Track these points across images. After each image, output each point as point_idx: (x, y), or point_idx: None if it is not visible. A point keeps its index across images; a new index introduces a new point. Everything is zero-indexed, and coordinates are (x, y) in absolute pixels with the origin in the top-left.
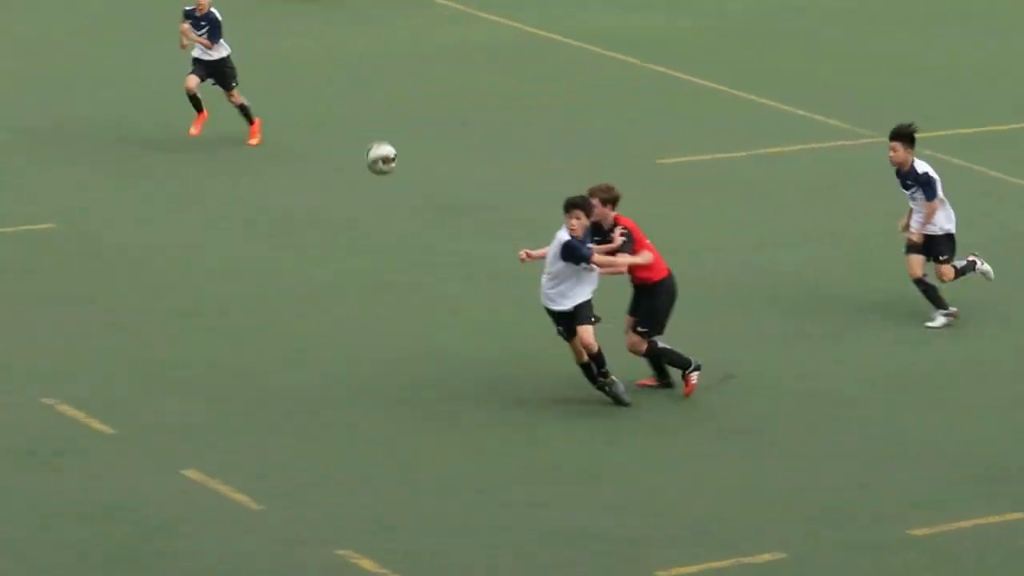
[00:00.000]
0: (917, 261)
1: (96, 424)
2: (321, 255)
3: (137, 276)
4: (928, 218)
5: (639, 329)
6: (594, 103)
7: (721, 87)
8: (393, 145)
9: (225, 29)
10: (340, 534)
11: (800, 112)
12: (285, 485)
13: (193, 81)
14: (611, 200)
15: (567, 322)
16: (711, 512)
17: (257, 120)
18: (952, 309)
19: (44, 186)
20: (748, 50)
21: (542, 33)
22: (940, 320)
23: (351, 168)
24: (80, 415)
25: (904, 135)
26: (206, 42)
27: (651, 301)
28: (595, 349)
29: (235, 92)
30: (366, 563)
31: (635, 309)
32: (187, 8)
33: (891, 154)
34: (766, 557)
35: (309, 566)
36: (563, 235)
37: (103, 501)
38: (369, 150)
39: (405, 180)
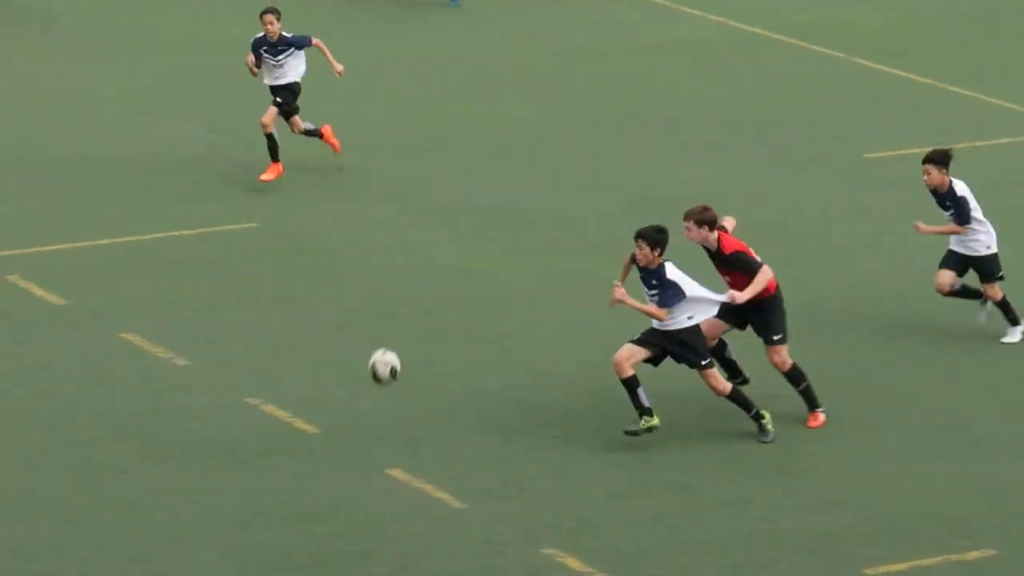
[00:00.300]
0: (947, 276)
1: (300, 424)
2: (525, 253)
3: (340, 276)
4: (943, 230)
5: (774, 339)
6: (799, 98)
7: (928, 80)
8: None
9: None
10: (545, 533)
11: (1010, 105)
12: (488, 484)
13: (271, 115)
14: (706, 222)
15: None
16: (918, 509)
17: (328, 134)
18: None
19: (246, 187)
20: (954, 43)
21: (746, 28)
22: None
23: (556, 166)
24: (285, 415)
25: (935, 159)
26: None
27: (770, 314)
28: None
29: (296, 119)
30: (572, 562)
31: (752, 324)
32: (256, 37)
33: (925, 178)
34: (975, 554)
35: (514, 565)
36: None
37: (308, 501)
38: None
39: (612, 178)
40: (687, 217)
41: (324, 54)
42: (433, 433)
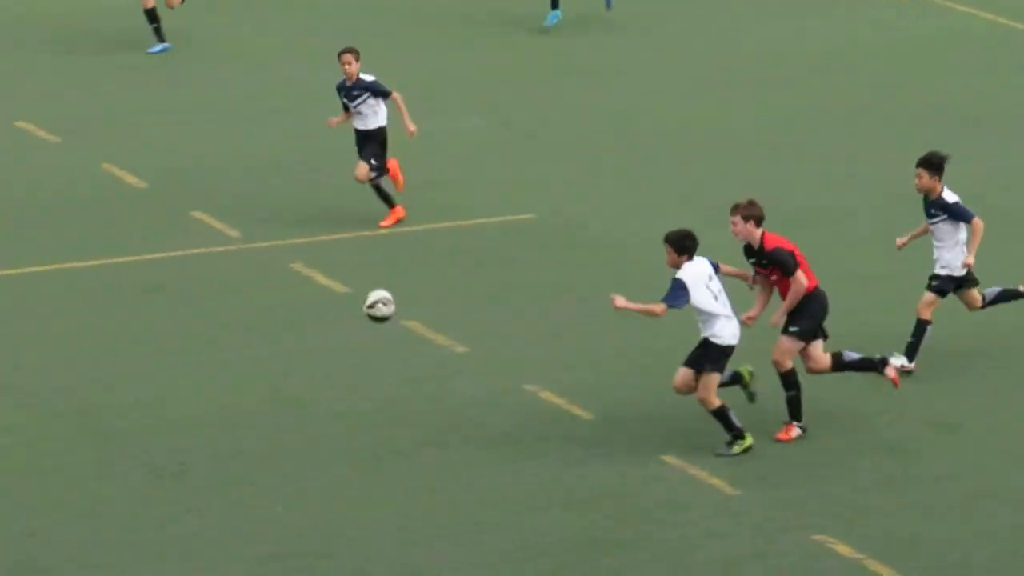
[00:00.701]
0: (972, 297)
1: (577, 410)
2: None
3: (618, 266)
4: (976, 240)
5: (791, 329)
6: None
7: None
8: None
9: None
10: (816, 519)
11: None
12: (761, 470)
13: (363, 170)
14: (753, 217)
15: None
16: None
17: (397, 209)
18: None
19: (522, 178)
20: None
21: (1018, 25)
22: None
23: (824, 162)
24: (562, 402)
25: (929, 163)
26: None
27: (801, 308)
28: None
29: (363, 167)
30: (843, 548)
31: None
32: (338, 83)
33: (916, 181)
34: None
35: (785, 552)
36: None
37: (584, 486)
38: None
39: (875, 174)
40: (734, 211)
41: (400, 110)
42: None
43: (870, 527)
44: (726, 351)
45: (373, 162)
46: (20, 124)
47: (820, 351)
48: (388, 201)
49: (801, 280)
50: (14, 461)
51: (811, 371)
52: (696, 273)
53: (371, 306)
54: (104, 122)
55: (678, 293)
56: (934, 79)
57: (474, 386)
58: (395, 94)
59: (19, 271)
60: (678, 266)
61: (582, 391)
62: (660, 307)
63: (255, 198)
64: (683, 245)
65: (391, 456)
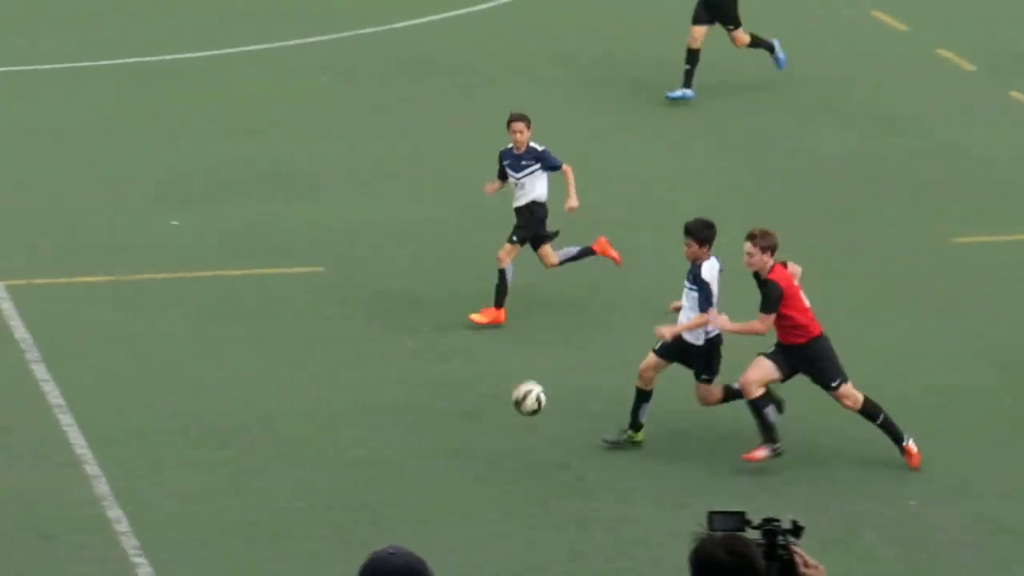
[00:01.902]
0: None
1: None
2: None
3: None
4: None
5: (832, 384)
6: None
7: None
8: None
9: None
10: None
11: None
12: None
13: (509, 254)
14: (769, 247)
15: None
16: None
17: (603, 247)
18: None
19: None
20: None
21: None
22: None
23: None
24: None
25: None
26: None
27: (822, 361)
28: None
29: (547, 251)
30: None
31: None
32: (504, 148)
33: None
34: None
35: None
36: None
37: None
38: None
39: None
40: (751, 238)
41: (567, 182)
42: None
43: None
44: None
45: (520, 237)
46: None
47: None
48: (499, 298)
49: (765, 325)
50: None
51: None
52: (715, 270)
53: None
54: None
55: (705, 296)
56: None
57: None
58: (566, 167)
59: None
60: (699, 258)
61: None
62: (706, 317)
63: None
64: (704, 236)
65: None
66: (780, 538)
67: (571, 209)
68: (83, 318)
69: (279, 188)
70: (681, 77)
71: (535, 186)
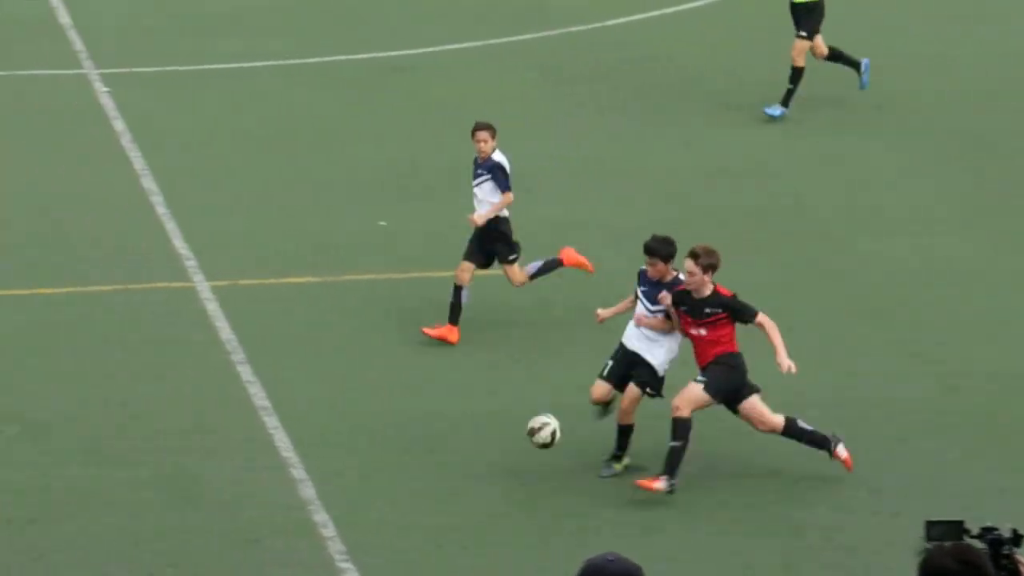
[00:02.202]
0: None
1: None
2: None
3: None
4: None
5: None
6: None
7: None
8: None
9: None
10: None
11: None
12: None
13: (466, 272)
14: (711, 267)
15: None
16: None
17: (571, 258)
18: None
19: None
20: None
21: None
22: None
23: None
24: None
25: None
26: (499, 201)
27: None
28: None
29: (514, 267)
30: None
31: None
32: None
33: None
34: None
35: None
36: None
37: None
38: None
39: None
40: (694, 257)
41: (494, 204)
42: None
43: None
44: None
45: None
46: None
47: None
48: (454, 315)
49: (768, 318)
50: None
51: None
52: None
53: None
54: None
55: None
56: None
57: None
58: (510, 195)
59: None
60: (664, 276)
61: None
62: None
63: None
64: (669, 252)
65: None
66: (1004, 548)
67: (471, 220)
68: (289, 319)
69: None
70: (783, 94)
71: (486, 197)
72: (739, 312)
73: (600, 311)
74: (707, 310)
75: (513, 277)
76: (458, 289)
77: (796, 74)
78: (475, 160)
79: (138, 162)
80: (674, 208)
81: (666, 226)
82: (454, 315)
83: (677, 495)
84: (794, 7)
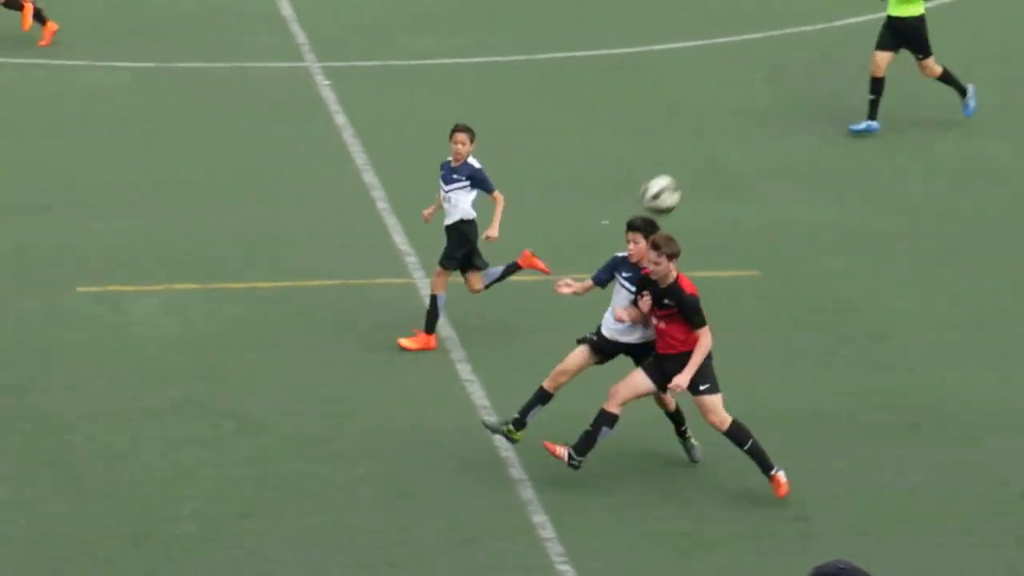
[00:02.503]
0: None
1: None
2: None
3: None
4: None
5: (702, 388)
6: None
7: None
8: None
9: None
10: None
11: None
12: None
13: (440, 282)
14: (676, 256)
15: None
16: None
17: (529, 260)
18: None
19: None
20: None
21: None
22: None
23: None
24: None
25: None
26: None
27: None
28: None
29: (478, 273)
30: None
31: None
32: (444, 161)
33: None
34: None
35: None
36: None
37: None
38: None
39: None
40: (657, 249)
41: (495, 211)
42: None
43: None
44: None
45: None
46: None
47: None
48: (431, 324)
49: (709, 337)
50: None
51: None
52: None
53: (656, 196)
54: None
55: None
56: None
57: None
58: (497, 194)
59: None
60: (644, 257)
61: None
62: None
63: None
64: (656, 230)
65: None
66: None
67: (489, 238)
68: (511, 317)
69: (712, 188)
70: (866, 108)
71: (460, 202)
72: (688, 313)
73: (570, 281)
74: (666, 300)
75: (473, 284)
76: (434, 297)
77: (875, 85)
78: (445, 164)
79: (359, 157)
80: (901, 212)
81: (884, 231)
82: (431, 324)
83: (899, 503)
84: (890, 20)
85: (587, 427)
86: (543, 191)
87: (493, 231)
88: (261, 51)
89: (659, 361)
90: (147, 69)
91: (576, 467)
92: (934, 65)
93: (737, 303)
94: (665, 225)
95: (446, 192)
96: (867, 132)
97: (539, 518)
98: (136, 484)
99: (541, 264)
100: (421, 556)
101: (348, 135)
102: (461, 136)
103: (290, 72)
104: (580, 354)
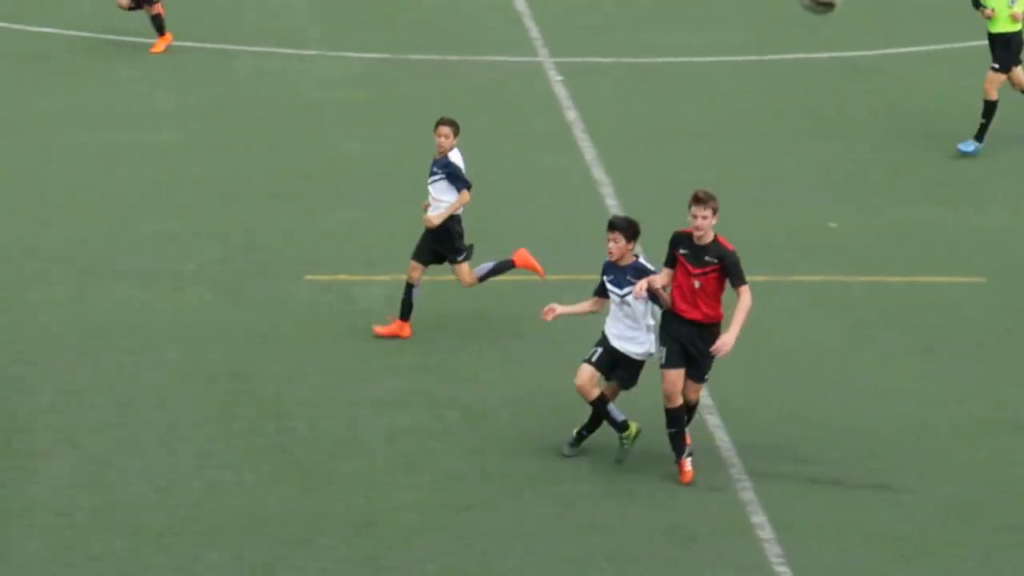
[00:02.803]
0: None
1: None
2: None
3: None
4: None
5: (706, 378)
6: None
7: None
8: None
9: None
10: None
11: None
12: None
13: (416, 271)
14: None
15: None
16: None
17: (523, 260)
18: None
19: None
20: None
21: None
22: None
23: None
24: None
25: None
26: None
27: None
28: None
29: (463, 267)
30: None
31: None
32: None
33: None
34: None
35: None
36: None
37: None
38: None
39: None
40: (702, 204)
41: (452, 203)
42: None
43: None
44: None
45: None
46: None
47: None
48: (406, 311)
49: (751, 296)
50: None
51: None
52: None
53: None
54: None
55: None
56: None
57: None
58: (466, 194)
59: None
60: (624, 259)
61: None
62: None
63: None
64: (635, 231)
65: None
66: None
67: (426, 220)
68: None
69: (941, 193)
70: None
71: (440, 195)
72: (732, 268)
73: (554, 306)
74: (707, 258)
75: (463, 277)
76: (410, 287)
77: (988, 108)
78: (434, 158)
79: (588, 152)
80: None
81: None
82: (405, 312)
83: None
84: (990, 37)
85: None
86: (771, 189)
87: (435, 217)
88: (494, 45)
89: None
90: (378, 60)
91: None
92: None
93: (959, 309)
94: (879, 227)
95: (428, 186)
96: (973, 154)
97: (758, 518)
98: (358, 473)
99: (536, 264)
100: (638, 553)
101: (578, 131)
102: (444, 129)
103: (522, 67)
104: (586, 371)
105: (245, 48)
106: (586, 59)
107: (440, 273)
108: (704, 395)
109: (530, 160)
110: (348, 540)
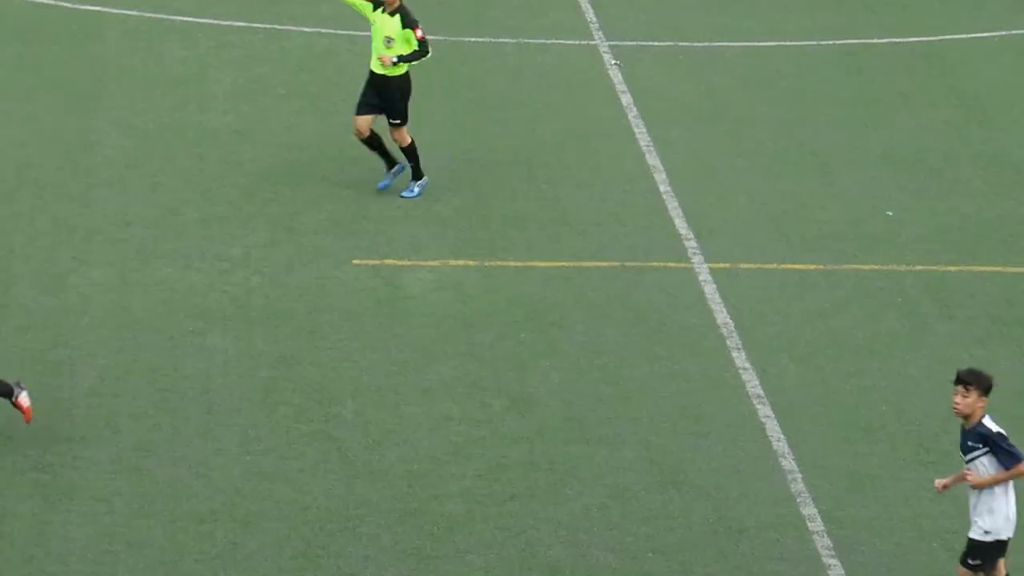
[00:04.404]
0: None
1: None
2: None
3: None
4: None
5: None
6: None
7: None
8: None
9: None
10: None
11: None
12: None
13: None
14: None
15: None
16: None
17: None
18: None
19: None
20: None
21: None
22: None
23: None
24: None
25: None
26: (388, 57)
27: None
28: None
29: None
30: None
31: None
32: None
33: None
34: None
35: None
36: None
37: None
38: None
39: None
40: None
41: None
42: None
43: None
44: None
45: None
46: None
47: None
48: (376, 150)
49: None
50: None
51: None
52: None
53: None
54: None
55: (1010, 449)
56: None
57: None
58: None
59: None
60: (974, 416)
61: None
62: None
63: None
64: (989, 384)
65: None
66: None
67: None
68: (789, 306)
69: (1006, 183)
70: None
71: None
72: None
73: (938, 481)
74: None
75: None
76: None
77: None
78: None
79: (643, 138)
80: None
81: None
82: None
83: None
84: None
85: None
86: (829, 177)
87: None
88: (549, 28)
89: None
90: (431, 42)
91: None
92: None
93: (1016, 300)
94: (938, 218)
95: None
96: None
97: (808, 510)
98: (403, 461)
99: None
100: (686, 544)
101: (633, 115)
102: None
103: (578, 50)
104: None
105: (294, 29)
106: (641, 42)
107: (492, 258)
108: (755, 385)
109: (583, 145)
110: (391, 529)
